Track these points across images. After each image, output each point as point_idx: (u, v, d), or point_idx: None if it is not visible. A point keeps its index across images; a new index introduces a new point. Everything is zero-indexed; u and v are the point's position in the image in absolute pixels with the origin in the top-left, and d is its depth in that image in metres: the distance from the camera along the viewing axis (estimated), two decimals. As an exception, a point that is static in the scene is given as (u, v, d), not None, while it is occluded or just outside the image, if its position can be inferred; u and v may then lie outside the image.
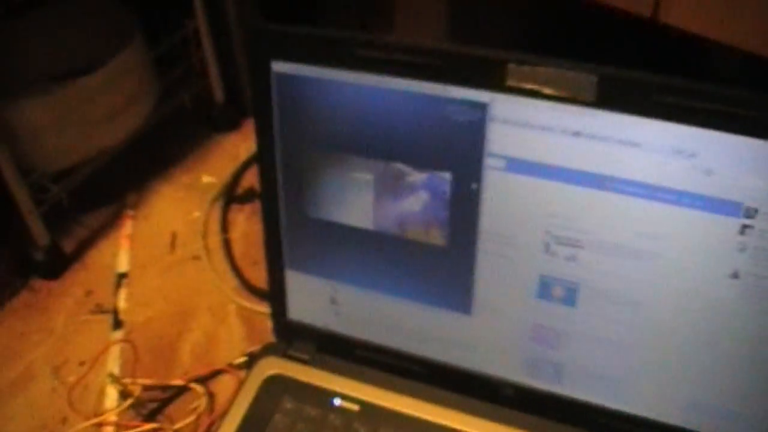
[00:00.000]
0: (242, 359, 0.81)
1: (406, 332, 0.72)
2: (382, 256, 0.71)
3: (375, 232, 0.69)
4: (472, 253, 0.67)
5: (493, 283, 0.68)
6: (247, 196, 1.01)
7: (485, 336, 0.71)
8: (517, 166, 0.63)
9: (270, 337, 0.77)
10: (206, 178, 1.05)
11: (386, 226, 0.69)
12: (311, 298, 0.74)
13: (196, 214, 1.00)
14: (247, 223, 0.98)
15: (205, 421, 0.76)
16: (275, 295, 0.75)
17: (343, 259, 0.73)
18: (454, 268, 0.68)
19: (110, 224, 0.99)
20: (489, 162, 0.63)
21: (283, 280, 0.74)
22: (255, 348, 0.81)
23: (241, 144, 1.10)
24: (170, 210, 1.02)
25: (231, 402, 0.72)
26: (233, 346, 0.84)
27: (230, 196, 1.02)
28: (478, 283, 0.68)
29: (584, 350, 0.68)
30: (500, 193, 0.64)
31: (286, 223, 0.73)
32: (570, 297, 0.66)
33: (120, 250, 0.95)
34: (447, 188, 0.65)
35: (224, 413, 0.71)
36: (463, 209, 0.66)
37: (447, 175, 0.65)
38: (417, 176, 0.66)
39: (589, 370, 0.68)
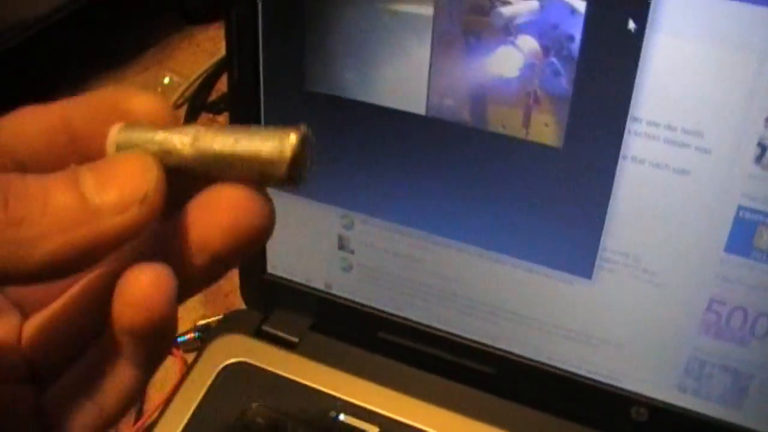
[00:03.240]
0: (191, 335, 0.57)
1: (468, 306, 0.44)
2: (439, 164, 0.40)
3: (429, 119, 0.40)
4: (611, 160, 0.36)
5: (643, 217, 0.37)
6: (223, 104, 0.78)
7: (614, 317, 0.41)
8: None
9: (238, 303, 0.54)
10: (169, 78, 0.76)
11: (451, 109, 0.39)
12: (305, 239, 0.47)
13: (150, 123, 0.71)
14: (220, 139, 0.69)
15: (125, 432, 0.52)
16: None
17: (366, 169, 0.42)
18: (573, 189, 0.38)
19: (29, 134, 0.71)
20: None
21: (261, 205, 0.43)
22: (213, 319, 0.57)
23: (221, 40, 0.83)
24: (114, 118, 0.74)
25: (165, 404, 0.49)
26: (181, 314, 0.53)
27: (200, 102, 0.74)
28: (614, 217, 0.37)
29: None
30: (682, 39, 0.33)
31: (268, 104, 0.42)
32: (791, 252, 0.35)
33: (37, 169, 0.68)
34: (576, 30, 0.35)
35: (154, 422, 0.48)
36: (603, 73, 0.36)
37: (578, 4, 0.34)
38: (518, 6, 0.36)
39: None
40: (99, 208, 0.20)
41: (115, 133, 0.23)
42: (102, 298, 0.24)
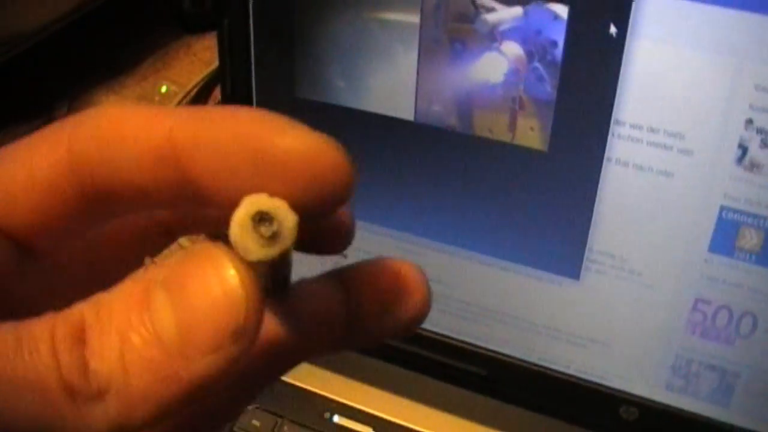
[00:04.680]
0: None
1: (459, 308, 0.45)
2: (427, 168, 0.40)
3: (416, 125, 0.40)
4: (596, 163, 0.37)
5: (629, 219, 0.37)
6: None
7: (602, 318, 0.42)
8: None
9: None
10: (167, 88, 0.76)
11: (438, 114, 0.39)
12: None
13: (147, 132, 0.71)
14: (217, 147, 0.69)
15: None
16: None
17: (356, 174, 0.41)
18: (559, 192, 0.38)
19: (29, 144, 0.71)
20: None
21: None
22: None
23: (216, 49, 0.82)
24: (113, 127, 0.73)
25: None
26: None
27: None
28: (600, 219, 0.38)
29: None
30: (662, 44, 0.34)
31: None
32: (772, 251, 0.36)
33: (36, 179, 0.68)
34: (559, 36, 0.35)
35: None
36: (586, 78, 0.36)
37: (561, 10, 0.34)
38: (502, 13, 0.36)
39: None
40: (184, 354, 0.16)
41: (246, 211, 0.16)
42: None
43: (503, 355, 0.45)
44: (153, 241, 0.22)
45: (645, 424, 0.43)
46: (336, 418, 0.46)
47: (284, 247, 0.17)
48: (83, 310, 0.16)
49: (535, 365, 0.44)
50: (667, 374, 0.42)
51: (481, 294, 0.43)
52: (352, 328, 0.20)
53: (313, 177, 0.17)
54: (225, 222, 0.17)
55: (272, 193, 0.17)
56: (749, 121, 0.35)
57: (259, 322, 0.16)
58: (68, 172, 0.18)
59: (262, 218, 0.16)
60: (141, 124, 0.18)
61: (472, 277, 0.43)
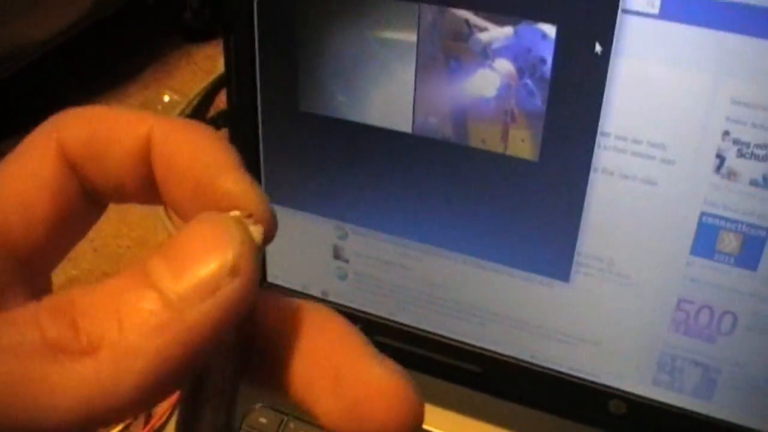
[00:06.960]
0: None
1: (455, 309, 0.47)
2: (425, 177, 0.42)
3: (414, 137, 0.42)
4: (584, 172, 0.39)
5: (615, 224, 0.40)
6: (222, 120, 0.76)
7: (591, 317, 0.44)
8: (680, 7, 0.35)
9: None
10: (169, 96, 0.78)
11: (435, 126, 0.41)
12: (302, 249, 0.49)
13: (151, 140, 0.73)
14: (219, 154, 0.70)
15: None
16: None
17: (358, 183, 0.44)
18: (549, 199, 0.41)
19: (35, 153, 0.72)
20: (629, 2, 0.36)
21: (260, 218, 0.45)
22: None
23: (218, 58, 0.89)
24: (117, 135, 0.75)
25: (174, 407, 0.53)
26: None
27: (199, 119, 0.75)
28: (588, 225, 0.40)
29: (763, 345, 0.40)
30: (645, 61, 0.36)
31: (265, 124, 0.45)
32: (750, 253, 0.39)
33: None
34: (548, 53, 0.37)
35: (163, 425, 0.51)
36: (574, 92, 0.38)
37: (549, 30, 0.37)
38: (494, 33, 0.38)
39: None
40: (182, 299, 0.15)
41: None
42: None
43: (497, 353, 0.47)
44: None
45: (633, 417, 0.45)
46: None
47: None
48: (73, 291, 0.16)
49: (528, 362, 0.46)
50: (654, 370, 0.44)
51: (475, 295, 0.46)
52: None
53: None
54: None
55: None
56: (726, 133, 0.37)
57: (256, 259, 0.16)
58: (67, 172, 0.19)
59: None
60: (126, 125, 0.19)
61: (468, 279, 0.45)
